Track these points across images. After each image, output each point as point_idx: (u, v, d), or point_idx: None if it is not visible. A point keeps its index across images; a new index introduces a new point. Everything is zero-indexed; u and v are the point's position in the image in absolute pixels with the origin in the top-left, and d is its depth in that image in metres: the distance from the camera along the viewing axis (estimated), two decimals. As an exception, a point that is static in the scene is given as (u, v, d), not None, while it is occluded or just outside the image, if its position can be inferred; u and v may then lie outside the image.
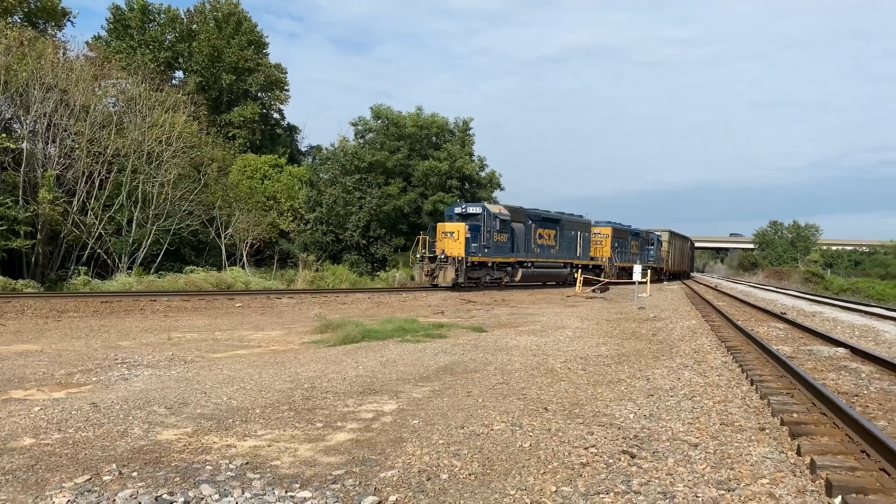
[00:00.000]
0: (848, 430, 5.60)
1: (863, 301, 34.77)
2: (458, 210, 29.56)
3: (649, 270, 47.71)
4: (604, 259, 40.80)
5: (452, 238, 27.83)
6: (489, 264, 29.64)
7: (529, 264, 32.57)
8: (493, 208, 30.25)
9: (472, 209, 29.17)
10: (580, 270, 36.27)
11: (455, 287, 27.64)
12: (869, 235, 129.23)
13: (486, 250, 28.99)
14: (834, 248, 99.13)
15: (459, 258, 27.53)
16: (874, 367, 9.70)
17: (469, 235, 27.85)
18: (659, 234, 53.12)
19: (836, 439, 5.49)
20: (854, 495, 4.16)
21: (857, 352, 10.98)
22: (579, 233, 38.12)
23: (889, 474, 4.52)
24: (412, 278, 30.37)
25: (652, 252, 50.02)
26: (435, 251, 28.30)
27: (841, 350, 11.45)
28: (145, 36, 40.74)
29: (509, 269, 31.40)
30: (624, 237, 45.13)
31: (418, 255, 29.37)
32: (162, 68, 39.28)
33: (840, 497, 4.14)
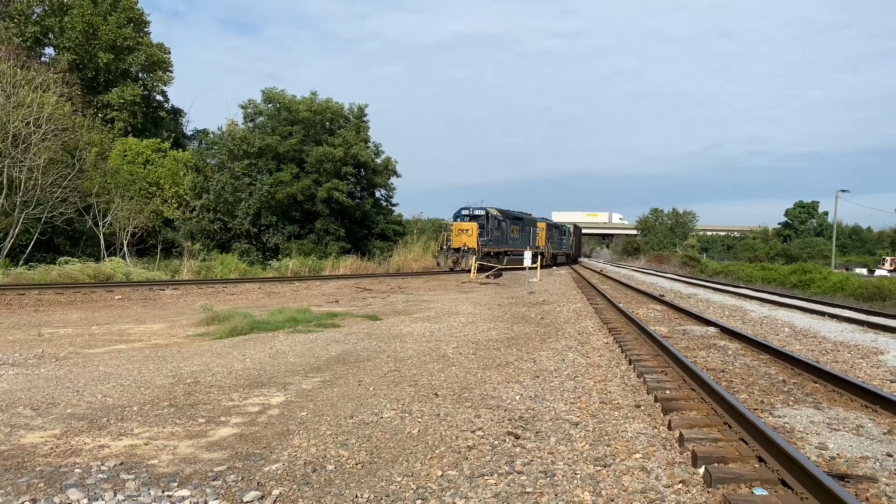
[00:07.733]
0: (714, 404, 6.02)
1: (733, 283, 37.36)
2: (465, 212, 37.23)
3: (565, 255, 59.72)
4: (542, 247, 48.94)
5: (467, 234, 35.85)
6: (491, 253, 37.79)
7: (511, 253, 40.65)
8: (492, 211, 38.27)
9: (478, 212, 37.17)
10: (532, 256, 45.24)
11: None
12: (740, 221, 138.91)
13: (490, 243, 37.62)
14: (709, 233, 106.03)
15: (475, 249, 35.55)
16: (740, 344, 10.46)
17: (479, 232, 36.05)
18: (569, 226, 64.60)
19: (703, 413, 5.89)
20: (716, 465, 4.48)
21: (725, 331, 11.80)
22: (531, 228, 47.08)
23: (747, 444, 4.90)
24: (438, 264, 37.00)
25: (565, 241, 60.72)
26: (451, 244, 36.21)
27: (712, 329, 12.27)
28: (9, 8, 37.45)
29: (501, 256, 39.30)
30: (552, 230, 54.46)
31: (443, 247, 36.92)
32: (29, 44, 36.34)
33: (704, 467, 4.45)
